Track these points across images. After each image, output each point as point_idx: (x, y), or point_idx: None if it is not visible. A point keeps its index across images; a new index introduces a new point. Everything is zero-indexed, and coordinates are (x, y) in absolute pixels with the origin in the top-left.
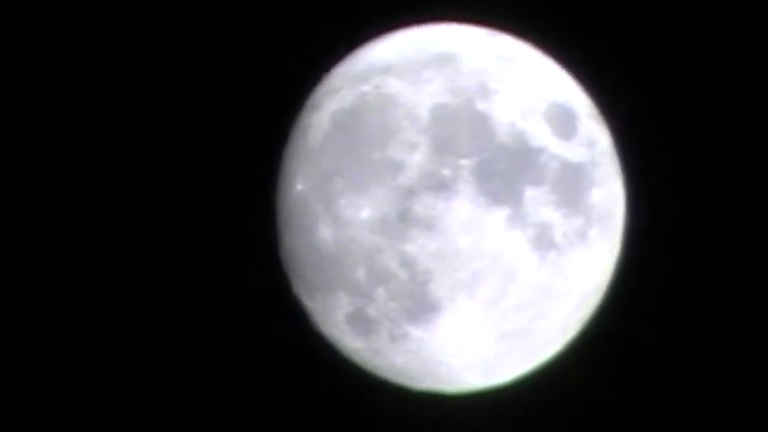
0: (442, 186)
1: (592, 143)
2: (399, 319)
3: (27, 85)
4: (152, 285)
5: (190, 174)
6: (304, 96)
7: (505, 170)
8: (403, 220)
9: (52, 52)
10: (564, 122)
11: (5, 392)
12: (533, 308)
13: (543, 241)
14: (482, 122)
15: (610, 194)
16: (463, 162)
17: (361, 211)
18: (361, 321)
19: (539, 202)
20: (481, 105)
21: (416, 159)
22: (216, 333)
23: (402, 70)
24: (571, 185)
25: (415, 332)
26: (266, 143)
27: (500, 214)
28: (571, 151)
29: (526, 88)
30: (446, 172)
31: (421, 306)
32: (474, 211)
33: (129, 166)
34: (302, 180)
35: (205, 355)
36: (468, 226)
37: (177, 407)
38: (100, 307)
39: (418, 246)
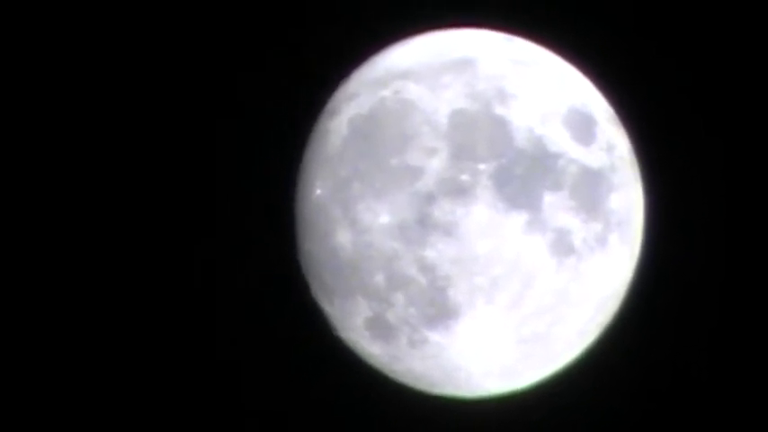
0: (460, 192)
1: (611, 148)
2: (418, 325)
3: (33, 86)
4: (170, 289)
5: (210, 179)
6: (323, 102)
7: (524, 175)
8: (422, 226)
9: (65, 54)
10: (583, 127)
11: (6, 392)
12: (552, 313)
13: (562, 246)
14: (500, 127)
15: (629, 200)
16: (482, 167)
17: (380, 216)
18: (380, 326)
19: (557, 207)
20: (499, 110)
21: (435, 165)
22: (234, 337)
23: (420, 75)
24: (590, 190)
25: (434, 337)
26: (285, 148)
27: (519, 219)
28: (590, 156)
29: (544, 93)
30: (465, 177)
31: (440, 311)
32: (493, 217)
33: (148, 171)
34: (321, 185)
35: (223, 358)
36: (486, 231)
37: (192, 407)
38: (107, 308)
39: (437, 251)
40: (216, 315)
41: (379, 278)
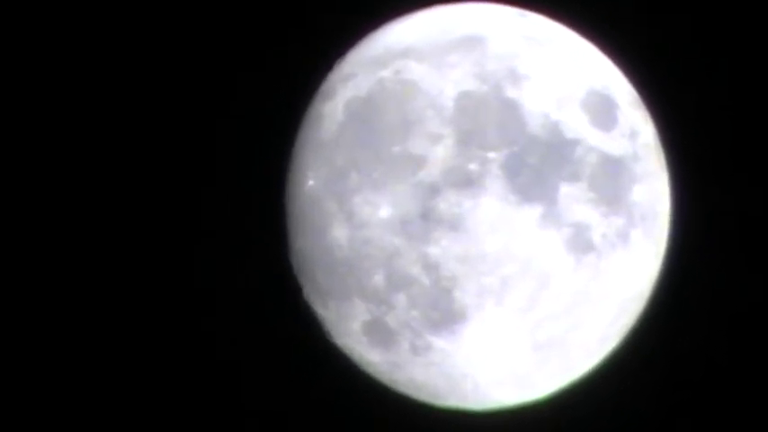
0: (468, 182)
1: (634, 134)
2: (421, 329)
3: (30, 86)
4: (145, 289)
5: (189, 168)
6: (315, 84)
7: (538, 164)
8: (425, 220)
9: (56, 53)
10: (603, 112)
11: (6, 393)
12: (569, 316)
13: (580, 243)
14: (512, 112)
15: (654, 191)
16: (491, 156)
17: (379, 209)
18: (380, 331)
19: (575, 199)
20: (511, 93)
21: (440, 153)
22: (219, 344)
23: (424, 54)
24: (611, 181)
25: (439, 343)
26: (274, 135)
27: (532, 213)
28: (611, 143)
29: (561, 74)
30: (473, 167)
31: (445, 315)
32: (503, 210)
33: (123, 158)
34: (314, 176)
35: (207, 368)
36: (496, 226)
37: (182, 417)
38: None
39: (442, 248)
40: (197, 320)
41: (379, 278)
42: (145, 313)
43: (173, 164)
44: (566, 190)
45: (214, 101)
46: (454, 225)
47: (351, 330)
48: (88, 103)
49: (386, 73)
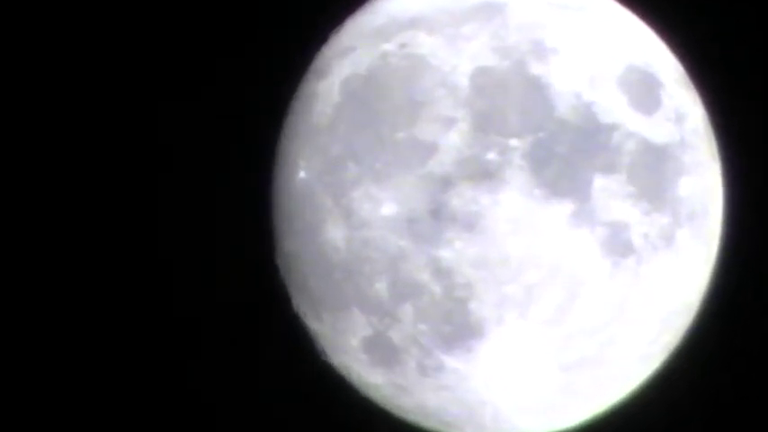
0: (485, 175)
1: (680, 118)
2: (431, 346)
3: (7, 83)
4: (107, 298)
5: (164, 159)
6: (307, 60)
7: (568, 153)
8: (436, 219)
9: (34, 49)
10: (644, 91)
11: (4, 393)
12: (604, 332)
13: (617, 245)
14: (537, 92)
15: (703, 185)
16: (513, 143)
17: (382, 206)
18: (382, 348)
19: (611, 194)
20: (536, 69)
21: (453, 140)
22: (197, 363)
23: (434, 24)
24: (653, 173)
25: (452, 363)
26: (258, 119)
27: (561, 210)
28: (654, 129)
29: (595, 47)
30: (491, 156)
31: (459, 329)
32: (527, 207)
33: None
34: (305, 166)
35: (186, 393)
36: (519, 225)
37: None
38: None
39: (455, 251)
40: (168, 336)
41: (381, 286)
42: (104, 334)
43: (138, 151)
44: (600, 183)
45: (197, 84)
46: (470, 224)
47: (348, 347)
48: (51, 85)
49: (390, 46)
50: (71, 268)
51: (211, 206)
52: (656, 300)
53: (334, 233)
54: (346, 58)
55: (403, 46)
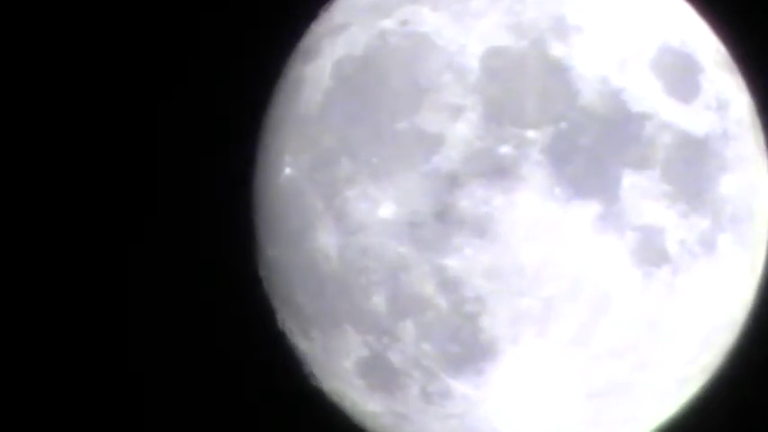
0: (499, 171)
1: (723, 107)
2: (437, 369)
3: None
4: (73, 309)
5: (135, 152)
6: (294, 39)
7: (594, 147)
8: (442, 222)
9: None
10: (681, 76)
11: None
12: (636, 352)
13: (650, 253)
14: (558, 76)
15: (748, 183)
16: (531, 135)
17: (380, 207)
18: (380, 372)
19: (643, 193)
20: (557, 50)
21: (461, 131)
22: (161, 389)
23: None
24: (691, 169)
25: (461, 389)
26: (241, 107)
27: (586, 213)
28: (692, 119)
29: (624, 24)
30: (505, 150)
31: (469, 350)
32: (547, 209)
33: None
34: (292, 162)
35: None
36: (538, 230)
37: None
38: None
39: (464, 259)
40: (135, 354)
41: (379, 300)
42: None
43: (110, 144)
44: (631, 181)
45: (169, 66)
46: (480, 229)
47: (342, 370)
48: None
49: (389, 24)
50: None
51: (182, 208)
52: (695, 315)
53: (325, 239)
54: (339, 37)
55: (404, 23)
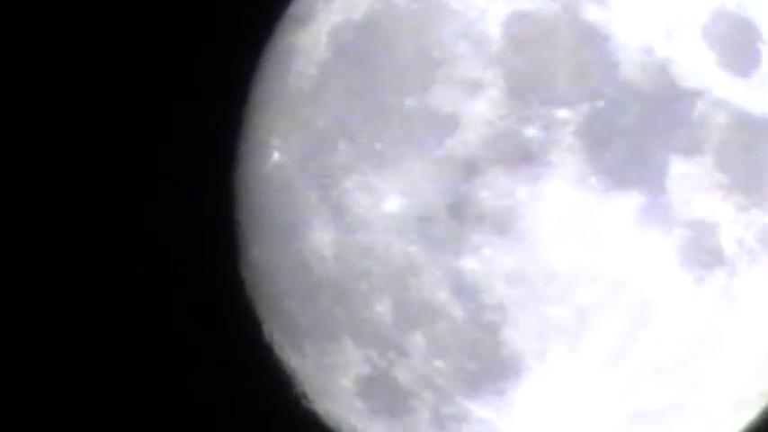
0: (524, 158)
1: None
2: (451, 390)
3: None
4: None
5: (97, 138)
6: (284, 3)
7: (635, 129)
8: (457, 217)
9: None
10: (739, 45)
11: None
12: (685, 370)
13: (702, 253)
14: (595, 46)
15: None
16: (562, 115)
17: (384, 200)
18: (385, 392)
19: (694, 184)
20: (593, 15)
21: (480, 110)
22: (136, 411)
23: None
24: (750, 156)
25: (479, 412)
26: (221, 83)
27: (626, 206)
28: (751, 96)
29: None
30: (532, 132)
31: (488, 367)
32: (580, 202)
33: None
34: (282, 147)
35: None
36: (569, 227)
37: None
38: None
39: (483, 261)
40: (106, 374)
41: (383, 308)
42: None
43: (75, 129)
44: (679, 169)
45: (144, 37)
46: (502, 225)
47: (339, 390)
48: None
49: None
50: None
51: (152, 200)
52: (754, 327)
53: (320, 237)
54: (336, 1)
55: None
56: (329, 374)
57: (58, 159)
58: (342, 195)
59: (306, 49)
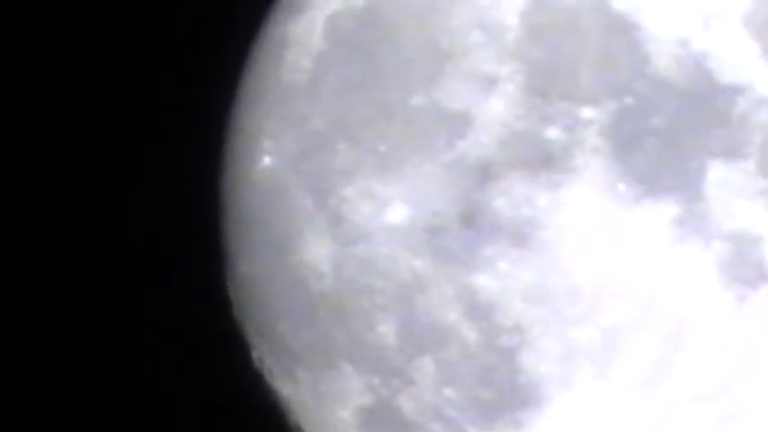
0: (545, 161)
1: None
2: (463, 422)
3: None
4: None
5: (81, 135)
6: None
7: (669, 130)
8: (470, 227)
9: None
10: None
11: None
12: (726, 397)
13: (744, 268)
14: (623, 36)
15: None
16: (587, 114)
17: (389, 209)
18: (389, 424)
19: (735, 190)
20: (619, 2)
21: (496, 108)
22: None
23: None
24: None
25: None
26: (207, 77)
27: (660, 215)
28: None
29: None
30: (553, 133)
31: (506, 395)
32: (608, 210)
33: None
34: (273, 149)
35: None
36: (596, 238)
37: None
38: None
39: (499, 277)
40: (84, 400)
41: (387, 330)
42: None
43: (47, 125)
44: (718, 175)
45: (125, 25)
46: (521, 236)
47: (338, 421)
48: None
49: None
50: None
51: (131, 209)
52: None
53: (317, 250)
54: None
55: None
56: (326, 404)
57: (32, 158)
58: (340, 203)
59: (300, 39)
